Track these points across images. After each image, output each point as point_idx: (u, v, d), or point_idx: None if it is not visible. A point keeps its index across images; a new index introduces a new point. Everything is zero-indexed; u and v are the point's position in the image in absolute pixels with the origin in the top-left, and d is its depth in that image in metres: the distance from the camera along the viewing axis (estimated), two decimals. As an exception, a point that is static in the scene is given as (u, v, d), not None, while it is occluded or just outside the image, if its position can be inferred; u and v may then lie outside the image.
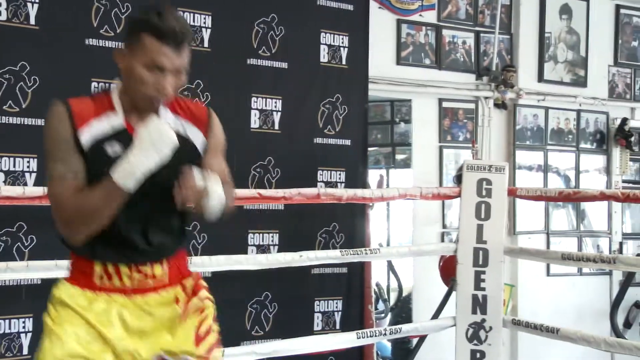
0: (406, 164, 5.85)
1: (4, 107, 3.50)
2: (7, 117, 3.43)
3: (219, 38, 4.09)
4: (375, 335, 4.12)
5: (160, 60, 1.82)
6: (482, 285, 4.14)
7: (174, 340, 1.96)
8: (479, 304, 4.14)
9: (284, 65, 4.32)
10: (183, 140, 1.93)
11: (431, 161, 5.12)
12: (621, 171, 5.80)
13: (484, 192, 4.18)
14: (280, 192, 3.81)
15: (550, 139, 5.57)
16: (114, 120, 1.90)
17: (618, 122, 5.78)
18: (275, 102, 4.30)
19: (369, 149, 4.85)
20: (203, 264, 3.53)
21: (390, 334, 4.21)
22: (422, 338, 4.42)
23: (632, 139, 5.73)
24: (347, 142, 4.54)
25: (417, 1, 5.00)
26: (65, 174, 1.86)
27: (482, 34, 5.27)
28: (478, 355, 4.13)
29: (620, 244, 5.81)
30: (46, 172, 1.91)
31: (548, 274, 5.43)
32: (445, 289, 4.42)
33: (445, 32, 5.14)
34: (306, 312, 4.37)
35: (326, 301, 4.44)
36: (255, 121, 4.24)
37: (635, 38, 5.97)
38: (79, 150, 1.86)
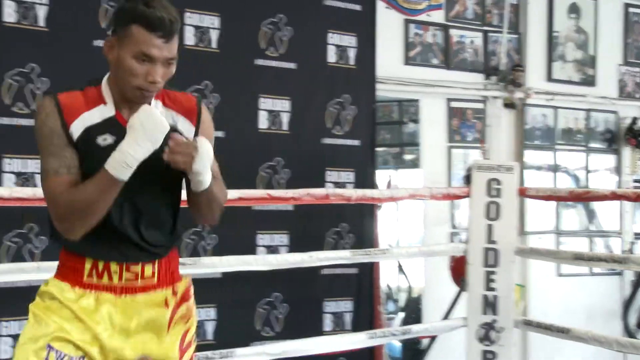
0: (414, 164, 5.84)
1: (14, 109, 3.52)
2: (17, 119, 3.43)
3: (227, 39, 4.10)
4: (386, 336, 4.10)
5: (150, 50, 1.79)
6: (493, 285, 4.12)
7: (159, 346, 1.94)
8: (490, 305, 4.12)
9: (292, 65, 4.32)
10: (174, 132, 1.91)
11: (440, 161, 5.10)
12: (631, 170, 5.77)
13: (493, 192, 4.16)
14: (289, 193, 3.80)
15: (560, 138, 5.55)
16: (104, 112, 1.87)
17: (628, 121, 5.75)
18: (283, 103, 4.30)
19: (377, 149, 4.83)
20: (213, 265, 3.53)
21: (401, 334, 4.19)
22: (433, 339, 4.40)
23: (643, 138, 5.70)
24: (356, 142, 4.53)
25: (424, 1, 4.99)
26: (58, 168, 1.83)
27: (490, 34, 5.26)
28: (489, 356, 4.11)
29: (632, 243, 5.77)
30: (40, 169, 1.88)
31: (558, 274, 5.41)
32: (455, 289, 4.40)
33: (453, 31, 5.12)
34: (316, 313, 4.36)
35: (336, 302, 4.43)
36: (263, 122, 4.24)
37: (644, 37, 5.96)
38: (70, 143, 1.84)
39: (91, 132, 1.85)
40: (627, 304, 5.51)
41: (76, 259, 1.90)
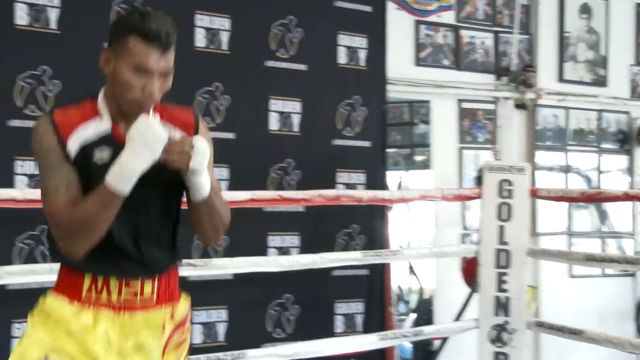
0: (425, 165, 5.83)
1: (26, 111, 3.53)
2: (29, 121, 3.44)
3: (238, 41, 4.10)
4: (398, 337, 4.09)
5: (147, 63, 1.77)
6: (505, 287, 4.11)
7: None
8: (502, 306, 4.10)
9: (302, 67, 4.32)
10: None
11: (450, 162, 5.10)
12: (643, 171, 5.75)
13: (505, 193, 4.14)
14: (300, 194, 3.79)
15: (571, 139, 5.52)
16: (100, 126, 1.85)
17: (640, 121, 5.73)
18: (294, 104, 4.30)
19: (388, 150, 4.83)
20: (224, 266, 3.53)
21: (412, 335, 4.18)
22: (445, 340, 4.38)
23: (655, 138, 5.67)
24: (366, 143, 4.53)
25: (435, 2, 4.99)
26: (57, 186, 1.80)
27: (500, 34, 5.24)
28: (501, 357, 4.09)
29: (644, 244, 5.75)
30: (40, 188, 1.86)
31: (570, 276, 5.38)
32: (466, 290, 4.39)
33: (463, 32, 5.12)
34: (327, 314, 4.36)
35: (347, 303, 4.42)
36: (274, 123, 4.24)
37: (656, 37, 5.92)
38: (68, 160, 1.82)
39: (87, 148, 1.83)
40: (640, 305, 5.49)
41: (75, 275, 1.87)
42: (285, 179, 4.24)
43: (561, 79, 5.47)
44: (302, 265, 3.74)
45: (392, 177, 5.57)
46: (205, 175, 1.84)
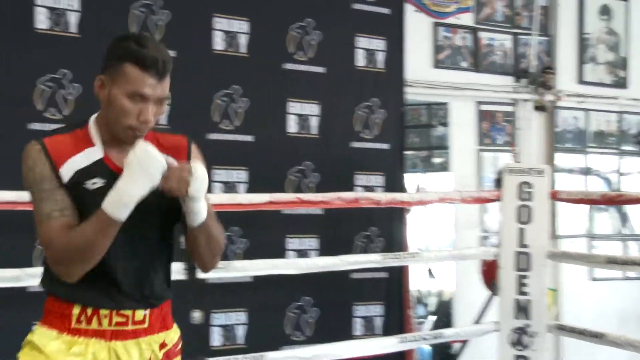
0: (443, 167, 5.81)
1: (46, 114, 3.56)
2: (49, 124, 3.47)
3: (256, 43, 4.11)
4: (417, 340, 4.08)
5: (143, 89, 1.77)
6: (525, 289, 4.08)
7: None
8: (522, 309, 4.07)
9: (321, 69, 4.32)
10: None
11: (469, 164, 5.07)
12: (664, 173, 5.69)
13: (524, 196, 4.12)
14: (319, 197, 3.79)
15: (591, 141, 5.48)
16: (92, 155, 1.84)
17: (661, 123, 5.68)
18: (312, 107, 4.30)
19: (406, 152, 4.81)
20: (243, 268, 3.53)
21: (432, 338, 4.16)
22: (465, 343, 4.36)
23: (676, 140, 5.62)
24: (385, 146, 4.52)
25: (453, 4, 4.97)
26: (51, 212, 1.79)
27: (519, 36, 5.21)
28: (522, 360, 4.06)
29: (666, 247, 5.69)
30: (34, 216, 1.83)
31: (591, 278, 5.34)
32: (486, 293, 4.36)
33: (482, 34, 5.09)
34: (346, 317, 4.35)
35: (366, 306, 4.41)
36: (292, 126, 4.24)
37: (677, 37, 5.86)
38: (61, 186, 1.80)
39: (80, 175, 1.81)
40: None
41: (63, 306, 1.85)
42: (304, 181, 4.24)
43: (581, 80, 5.43)
44: (321, 267, 3.73)
45: (411, 179, 5.56)
46: (203, 201, 1.82)
